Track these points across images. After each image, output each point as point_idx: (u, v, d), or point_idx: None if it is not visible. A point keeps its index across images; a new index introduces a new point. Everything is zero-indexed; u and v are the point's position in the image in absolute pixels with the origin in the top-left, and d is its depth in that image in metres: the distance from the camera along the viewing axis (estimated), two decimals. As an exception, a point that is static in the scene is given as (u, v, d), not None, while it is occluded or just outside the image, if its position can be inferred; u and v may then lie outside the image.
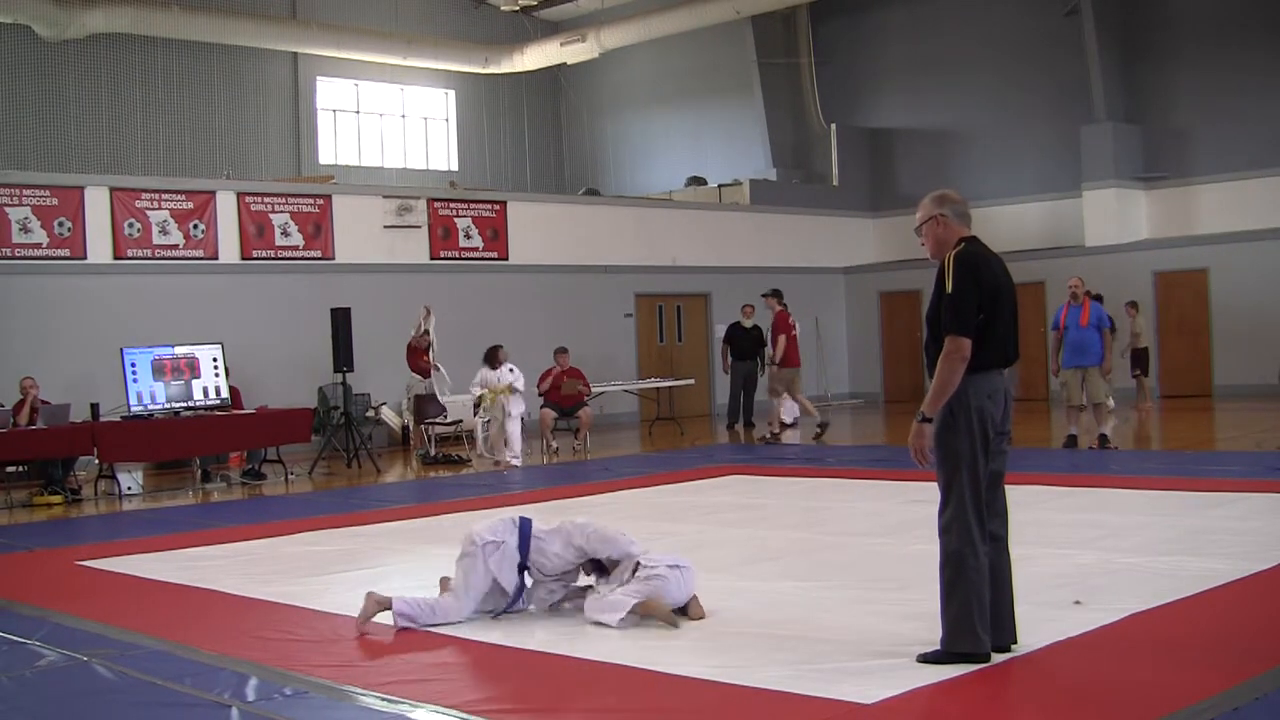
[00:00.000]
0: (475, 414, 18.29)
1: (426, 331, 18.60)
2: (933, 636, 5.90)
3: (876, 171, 28.79)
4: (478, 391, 17.53)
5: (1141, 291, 23.32)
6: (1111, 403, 16.31)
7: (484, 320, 21.31)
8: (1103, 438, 15.47)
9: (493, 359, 17.56)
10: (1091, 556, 8.32)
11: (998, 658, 5.84)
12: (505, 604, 7.28)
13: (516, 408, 17.48)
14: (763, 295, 19.60)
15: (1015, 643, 6.01)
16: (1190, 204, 24.30)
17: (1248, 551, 8.24)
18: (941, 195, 6.24)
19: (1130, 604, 6.84)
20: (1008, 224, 26.22)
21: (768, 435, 19.11)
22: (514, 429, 17.36)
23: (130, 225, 18.79)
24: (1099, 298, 16.25)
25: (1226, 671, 5.54)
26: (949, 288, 5.92)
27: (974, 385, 5.88)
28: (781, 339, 18.90)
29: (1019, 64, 26.22)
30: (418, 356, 18.69)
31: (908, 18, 28.01)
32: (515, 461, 17.19)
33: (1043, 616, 6.57)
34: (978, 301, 5.89)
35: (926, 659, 5.84)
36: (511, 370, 17.41)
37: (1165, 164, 24.60)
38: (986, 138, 26.85)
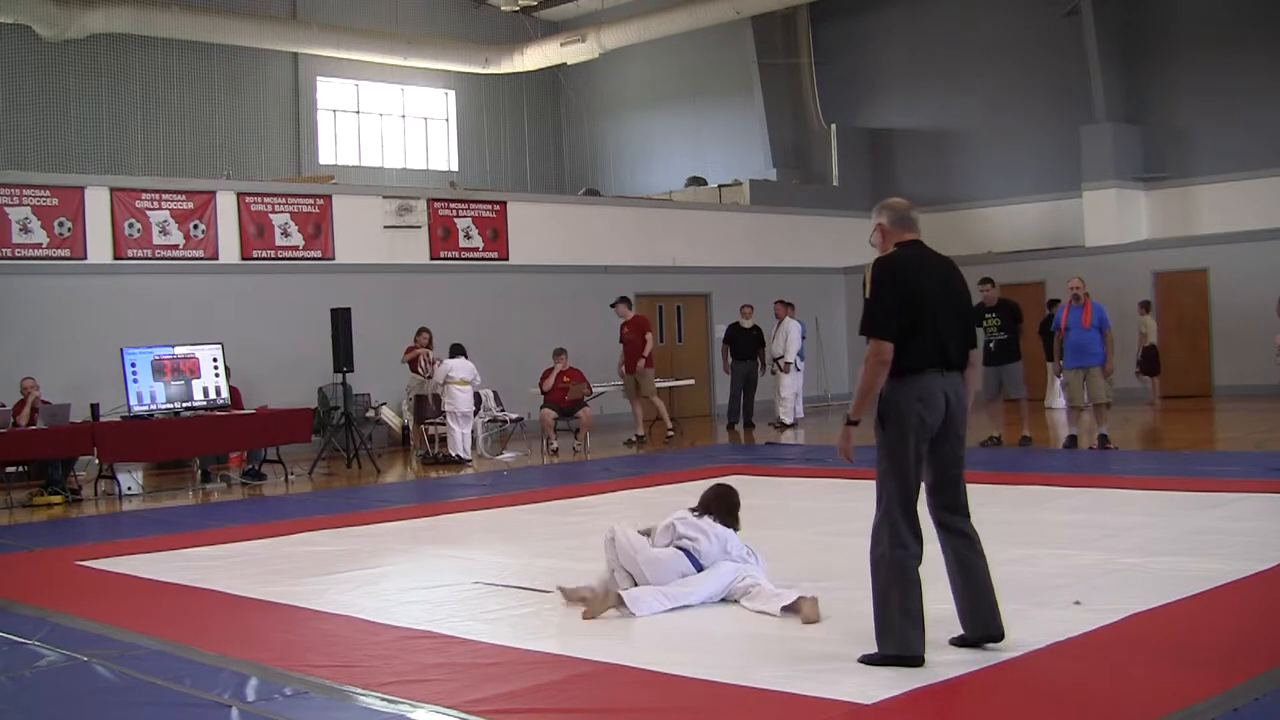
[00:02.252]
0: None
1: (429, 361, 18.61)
2: (935, 637, 5.89)
3: (877, 172, 28.77)
4: (441, 379, 17.84)
5: (1141, 292, 23.33)
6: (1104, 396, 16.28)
7: (484, 320, 21.32)
8: (1103, 438, 15.47)
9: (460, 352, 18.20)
10: (1091, 556, 8.32)
11: (992, 649, 5.90)
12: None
13: (465, 405, 17.80)
14: (611, 305, 20.06)
15: (1003, 635, 6.02)
16: (1190, 204, 24.30)
17: (1248, 551, 8.24)
18: (883, 204, 6.45)
19: (1130, 604, 6.84)
20: (1008, 224, 26.27)
21: (633, 439, 19.40)
22: (457, 427, 17.78)
23: (130, 225, 18.78)
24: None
25: (1226, 672, 5.53)
26: (866, 293, 6.06)
27: (900, 389, 5.93)
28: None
29: (1019, 64, 26.21)
30: (415, 363, 18.70)
31: (908, 18, 28.01)
32: (464, 456, 17.66)
33: (1043, 616, 6.58)
34: (897, 305, 5.93)
35: (866, 660, 5.89)
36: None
37: (1165, 164, 24.60)
38: (986, 138, 26.85)
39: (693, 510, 7.84)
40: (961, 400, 6.09)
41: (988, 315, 16.36)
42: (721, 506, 7.87)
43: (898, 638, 5.81)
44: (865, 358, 5.95)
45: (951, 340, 6.05)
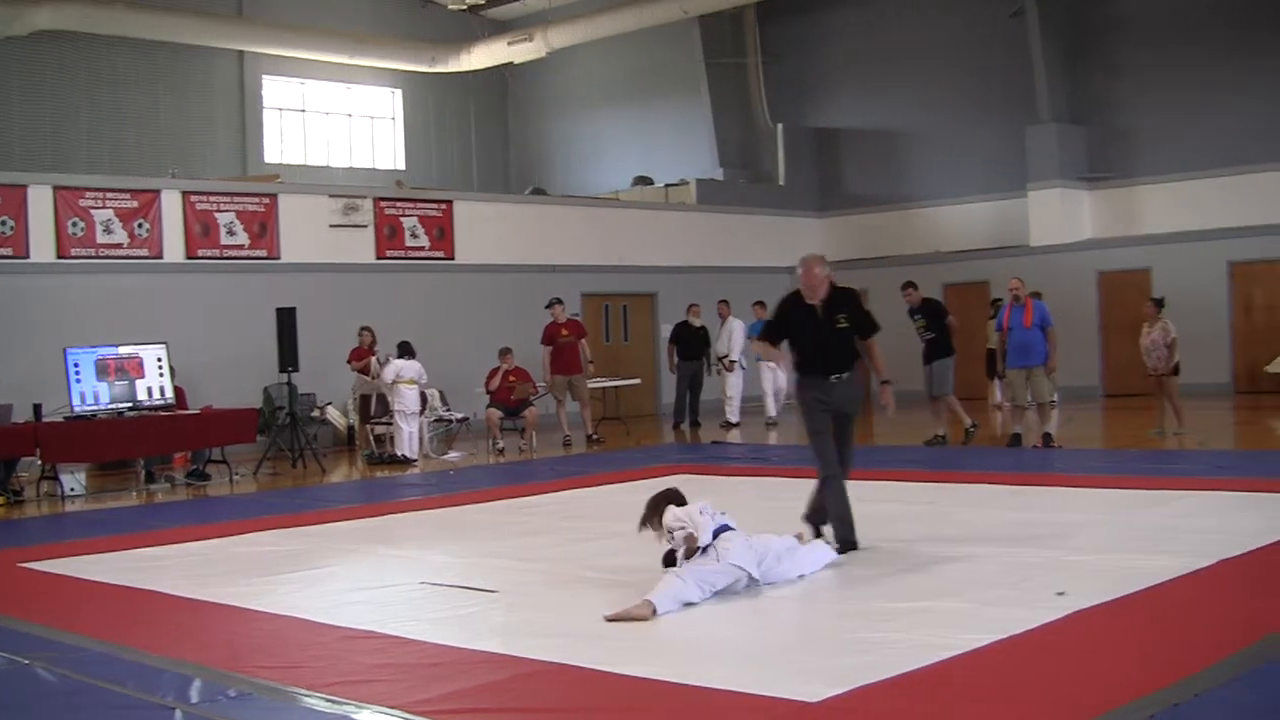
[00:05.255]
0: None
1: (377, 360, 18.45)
2: (884, 635, 5.92)
3: (823, 171, 28.89)
4: (391, 378, 17.66)
5: (1085, 291, 23.54)
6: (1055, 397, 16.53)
7: (430, 320, 21.24)
8: (1046, 436, 15.61)
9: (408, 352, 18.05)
10: (1037, 554, 8.37)
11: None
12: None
13: (413, 404, 17.72)
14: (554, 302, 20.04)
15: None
16: (1134, 204, 24.51)
17: (1192, 548, 8.30)
18: (822, 259, 8.98)
19: (1075, 601, 6.89)
20: (953, 224, 26.42)
21: (590, 436, 19.52)
22: (405, 426, 17.69)
23: (74, 224, 18.61)
24: (1037, 294, 16.51)
25: (1167, 668, 5.59)
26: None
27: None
28: (547, 351, 19.50)
29: (965, 65, 26.35)
30: (362, 360, 18.60)
31: (855, 18, 28.10)
32: (410, 455, 17.58)
33: (987, 614, 6.63)
34: None
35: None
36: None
37: (1109, 164, 24.80)
38: (932, 138, 26.99)
39: (650, 520, 7.86)
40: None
41: (915, 317, 16.60)
42: (676, 498, 8.02)
43: None
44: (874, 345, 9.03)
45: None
